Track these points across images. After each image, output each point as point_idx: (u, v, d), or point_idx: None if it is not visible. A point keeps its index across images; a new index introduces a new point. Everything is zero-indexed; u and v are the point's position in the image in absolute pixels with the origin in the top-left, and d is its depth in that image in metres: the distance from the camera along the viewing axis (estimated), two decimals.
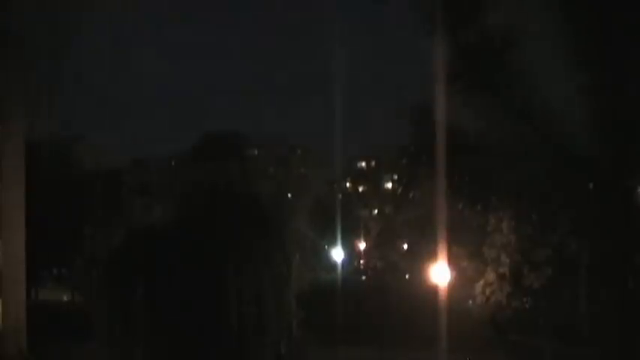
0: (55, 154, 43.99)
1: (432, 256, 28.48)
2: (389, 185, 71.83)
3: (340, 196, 66.27)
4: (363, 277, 60.58)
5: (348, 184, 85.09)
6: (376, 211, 67.90)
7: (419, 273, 35.73)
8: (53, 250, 39.15)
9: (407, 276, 49.63)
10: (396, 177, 59.10)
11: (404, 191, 43.49)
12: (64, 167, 44.11)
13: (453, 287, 27.41)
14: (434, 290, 26.62)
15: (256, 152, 72.38)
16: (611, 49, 18.41)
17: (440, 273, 25.94)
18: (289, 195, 52.57)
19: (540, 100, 19.93)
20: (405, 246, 50.78)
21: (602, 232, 19.65)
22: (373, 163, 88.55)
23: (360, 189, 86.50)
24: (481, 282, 29.33)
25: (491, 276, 29.02)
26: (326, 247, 50.76)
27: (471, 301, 30.84)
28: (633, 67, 18.57)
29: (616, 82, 18.57)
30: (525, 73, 19.83)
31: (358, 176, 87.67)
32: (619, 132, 18.82)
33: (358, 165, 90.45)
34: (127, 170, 50.78)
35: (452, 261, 27.57)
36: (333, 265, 48.54)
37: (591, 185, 20.50)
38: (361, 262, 64.92)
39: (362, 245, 63.78)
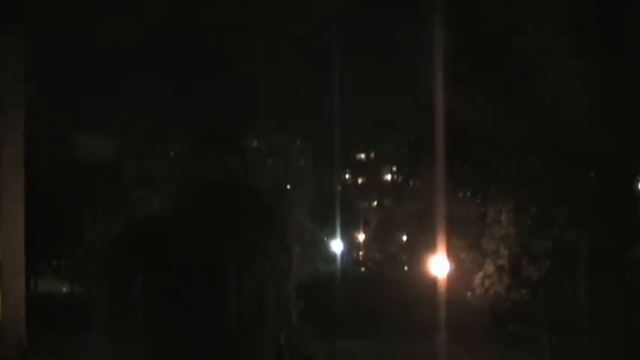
0: (54, 146, 43.98)
1: (431, 247, 28.51)
2: (388, 177, 71.94)
3: (339, 187, 66.39)
4: (363, 269, 60.74)
5: (347, 176, 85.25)
6: (375, 203, 68.02)
7: (418, 265, 35.78)
8: (52, 241, 39.17)
9: (406, 268, 49.72)
10: (395, 169, 59.17)
11: (403, 182, 43.52)
12: (64, 159, 44.10)
13: (451, 279, 27.46)
14: (433, 282, 26.67)
15: (255, 144, 72.41)
16: (613, 40, 18.40)
17: (439, 265, 25.99)
18: (288, 187, 52.56)
19: (541, 91, 19.93)
20: (405, 237, 50.85)
21: (602, 224, 19.67)
22: (372, 155, 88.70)
23: (360, 181, 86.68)
24: (480, 274, 29.36)
25: (490, 268, 29.05)
26: (325, 238, 50.85)
27: (469, 293, 30.89)
28: (635, 58, 18.58)
29: (617, 73, 18.57)
30: (526, 63, 19.83)
31: (357, 168, 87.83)
32: (619, 123, 18.82)
33: (357, 157, 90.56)
34: (126, 162, 50.78)
35: (451, 253, 27.62)
36: (332, 257, 48.64)
37: (591, 176, 20.52)
38: (360, 253, 65.10)
39: (361, 237, 63.95)
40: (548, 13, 19.48)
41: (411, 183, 40.49)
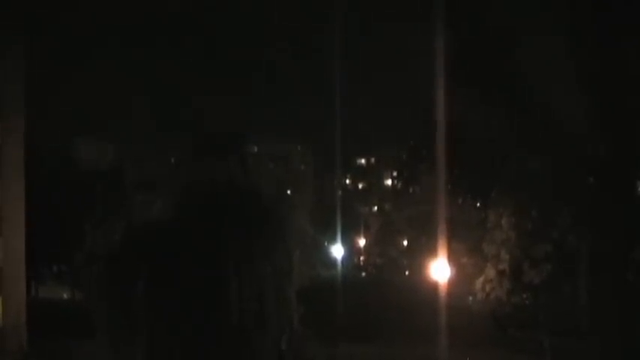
0: (55, 150, 43.97)
1: (431, 252, 28.46)
2: (388, 182, 71.97)
3: (340, 192, 66.38)
4: (363, 274, 60.67)
5: (348, 181, 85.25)
6: (376, 208, 68.01)
7: (419, 269, 35.73)
8: (53, 247, 39.10)
9: (407, 272, 49.68)
10: (395, 173, 59.19)
11: (404, 186, 43.55)
12: (64, 163, 44.08)
13: (452, 283, 27.40)
14: (434, 286, 26.61)
15: (256, 149, 72.47)
16: (613, 43, 18.42)
17: (440, 269, 25.93)
18: (289, 191, 52.56)
19: (541, 95, 19.95)
20: (405, 242, 50.82)
21: (602, 227, 19.66)
22: (373, 160, 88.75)
23: (360, 186, 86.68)
24: (481, 278, 29.31)
25: (491, 272, 28.99)
26: (326, 243, 50.78)
27: (471, 298, 30.82)
28: (635, 61, 18.58)
29: (617, 76, 18.58)
30: (527, 67, 19.85)
31: (358, 173, 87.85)
32: (619, 127, 18.83)
33: (358, 162, 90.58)
34: (127, 166, 50.77)
35: (452, 257, 27.55)
36: (333, 262, 48.54)
37: (591, 180, 20.52)
38: (361, 258, 65.03)
39: (362, 242, 63.90)
40: (547, 17, 19.51)
41: (411, 188, 40.50)
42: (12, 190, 29.35)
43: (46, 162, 40.45)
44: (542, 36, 19.55)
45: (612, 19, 18.32)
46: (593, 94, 18.83)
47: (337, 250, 49.05)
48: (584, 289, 26.05)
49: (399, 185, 50.88)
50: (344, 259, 50.53)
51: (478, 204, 31.40)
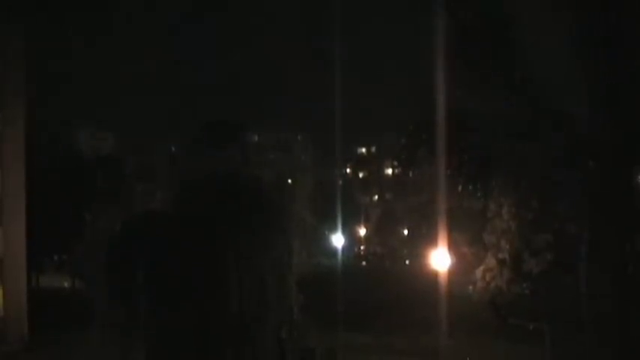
0: (55, 141, 44.01)
1: (432, 241, 28.49)
2: (389, 171, 71.94)
3: (341, 182, 66.46)
4: (364, 263, 60.88)
5: (348, 170, 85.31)
6: (376, 197, 68.05)
7: (419, 258, 35.78)
8: (53, 236, 39.20)
9: (407, 261, 49.81)
10: (395, 162, 59.13)
11: (404, 174, 43.49)
12: (65, 153, 44.12)
13: (453, 273, 27.44)
14: (434, 276, 26.65)
15: (257, 138, 72.49)
16: (613, 26, 18.34)
17: (440, 258, 25.96)
18: (290, 181, 52.56)
19: (542, 83, 19.90)
20: (405, 231, 50.88)
21: (603, 217, 19.65)
22: (373, 149, 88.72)
23: (361, 175, 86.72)
24: (481, 268, 29.33)
25: (491, 262, 29.00)
26: (326, 232, 50.87)
27: (471, 287, 30.86)
28: (636, 49, 18.51)
29: (619, 62, 18.51)
30: (528, 54, 19.79)
31: (358, 162, 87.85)
32: (620, 115, 18.78)
33: (358, 151, 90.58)
34: (127, 156, 50.86)
35: (452, 246, 27.58)
36: (333, 251, 48.65)
37: (592, 170, 20.50)
38: (361, 247, 65.23)
39: (362, 231, 64.09)
40: (548, 3, 19.44)
41: (411, 174, 40.43)
42: (12, 179, 29.33)
43: (46, 152, 40.46)
44: (545, 22, 19.48)
45: (616, 8, 18.25)
46: (595, 82, 18.77)
47: (338, 240, 49.12)
48: (585, 278, 26.09)
49: (400, 173, 50.84)
50: (344, 248, 50.63)
51: (478, 193, 31.36)
